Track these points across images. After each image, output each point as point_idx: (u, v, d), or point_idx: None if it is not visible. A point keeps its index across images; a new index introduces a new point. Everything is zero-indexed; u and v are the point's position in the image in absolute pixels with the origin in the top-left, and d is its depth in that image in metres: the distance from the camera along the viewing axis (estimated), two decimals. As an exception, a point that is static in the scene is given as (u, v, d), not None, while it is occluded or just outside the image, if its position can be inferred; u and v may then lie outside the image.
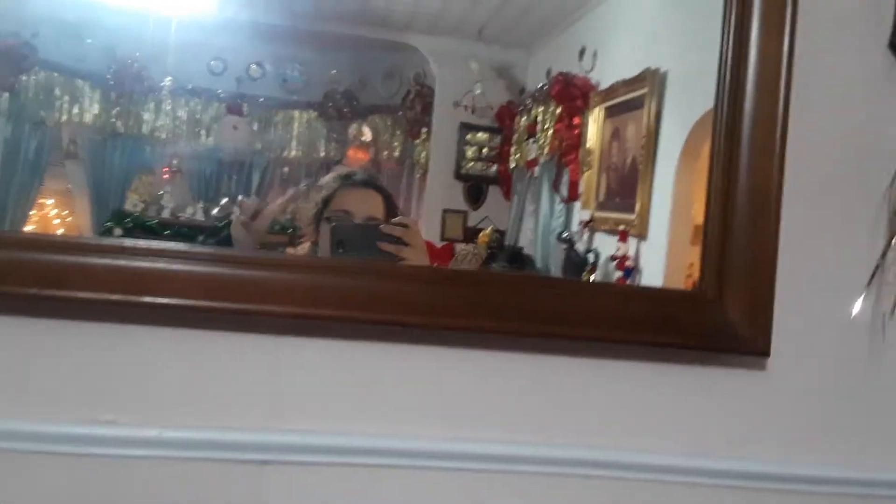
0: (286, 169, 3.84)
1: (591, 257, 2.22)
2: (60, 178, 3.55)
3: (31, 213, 3.43)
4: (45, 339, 0.86)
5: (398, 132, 3.73)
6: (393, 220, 1.09)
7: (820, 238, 1.09)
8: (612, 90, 2.31)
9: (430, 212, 3.39)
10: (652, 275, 1.95)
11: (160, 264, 0.86)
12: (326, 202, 1.17)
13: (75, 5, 3.00)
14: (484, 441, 0.94)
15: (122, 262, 0.85)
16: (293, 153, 3.82)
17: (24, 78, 3.27)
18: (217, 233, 3.39)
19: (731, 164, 1.01)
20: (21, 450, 0.85)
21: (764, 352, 1.00)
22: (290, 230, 3.64)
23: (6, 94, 3.31)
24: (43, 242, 0.88)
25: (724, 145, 1.02)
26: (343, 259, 1.01)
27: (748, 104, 1.00)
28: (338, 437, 0.92)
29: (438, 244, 3.30)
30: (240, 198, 1.47)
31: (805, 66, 1.05)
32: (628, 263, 2.01)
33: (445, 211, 3.49)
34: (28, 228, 3.37)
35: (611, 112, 2.40)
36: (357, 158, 3.65)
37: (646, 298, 1.00)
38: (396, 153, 3.74)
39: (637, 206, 2.05)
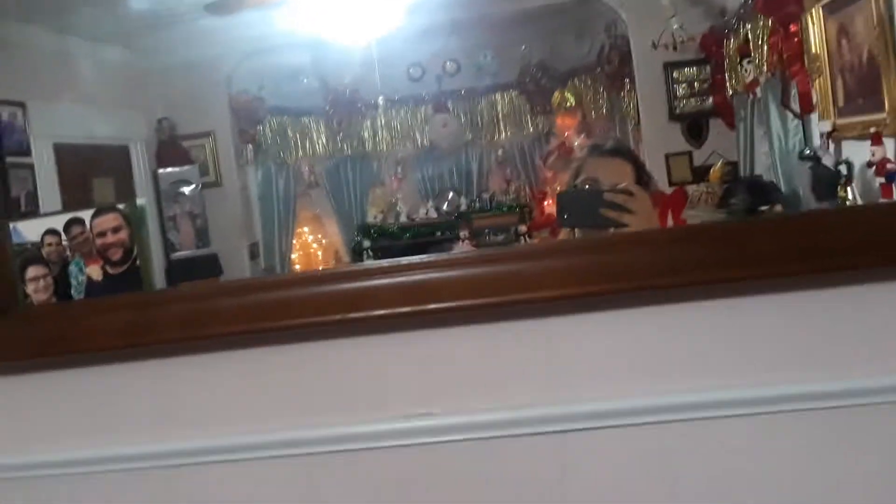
0: (500, 152, 3.96)
1: (843, 169, 2.02)
2: (308, 207, 4.00)
3: (293, 241, 3.89)
4: (358, 353, 0.99)
5: (601, 89, 3.67)
6: (617, 186, 1.09)
7: None
8: (829, -16, 2.08)
9: (652, 159, 3.30)
10: (920, 174, 1.74)
11: (433, 274, 0.96)
12: (577, 173, 1.20)
13: (288, 52, 3.34)
14: (771, 384, 0.93)
15: (402, 279, 0.96)
16: (502, 135, 3.93)
17: (260, 128, 3.73)
18: (451, 227, 3.60)
19: None
20: (351, 448, 1.00)
21: None
22: (517, 208, 3.74)
23: (249, 146, 3.78)
24: (342, 274, 1.01)
25: None
26: (582, 239, 1.05)
27: None
28: (622, 401, 0.97)
29: (668, 190, 3.20)
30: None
31: None
32: (890, 166, 1.81)
33: (668, 155, 3.37)
34: (293, 256, 3.81)
35: (831, 9, 2.16)
36: (566, 125, 3.65)
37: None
38: (604, 110, 3.68)
39: (886, 103, 1.83)
